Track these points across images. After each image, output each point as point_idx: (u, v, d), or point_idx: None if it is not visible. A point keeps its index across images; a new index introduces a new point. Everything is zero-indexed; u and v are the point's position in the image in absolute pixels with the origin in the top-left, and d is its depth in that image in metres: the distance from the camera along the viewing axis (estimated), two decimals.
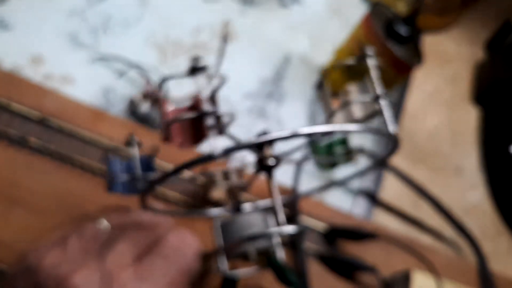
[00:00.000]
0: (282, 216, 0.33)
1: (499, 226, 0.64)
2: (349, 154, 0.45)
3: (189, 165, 0.30)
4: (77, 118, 0.52)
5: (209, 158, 0.30)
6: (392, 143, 0.36)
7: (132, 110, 0.55)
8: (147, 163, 0.38)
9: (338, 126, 0.31)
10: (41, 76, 0.55)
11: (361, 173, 0.46)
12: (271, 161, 0.34)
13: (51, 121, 0.51)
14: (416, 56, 0.54)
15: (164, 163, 0.51)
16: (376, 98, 0.35)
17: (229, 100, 0.60)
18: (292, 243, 0.51)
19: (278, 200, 0.34)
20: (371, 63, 0.36)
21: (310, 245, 0.53)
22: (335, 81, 0.62)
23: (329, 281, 0.52)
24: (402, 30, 0.53)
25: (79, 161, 0.50)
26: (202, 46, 0.62)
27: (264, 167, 0.34)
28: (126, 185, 0.38)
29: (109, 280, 0.34)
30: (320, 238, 0.54)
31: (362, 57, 0.36)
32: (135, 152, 0.36)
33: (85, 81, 0.57)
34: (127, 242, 0.37)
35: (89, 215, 0.42)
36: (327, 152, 0.45)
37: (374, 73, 0.36)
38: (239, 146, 0.30)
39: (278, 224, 0.33)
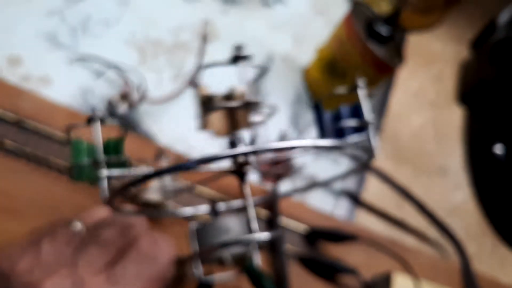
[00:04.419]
0: (255, 223, 0.33)
1: (484, 226, 0.63)
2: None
3: (161, 172, 0.29)
4: (54, 120, 0.51)
5: (182, 167, 0.29)
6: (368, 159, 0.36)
7: (110, 111, 0.54)
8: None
9: (310, 141, 0.30)
10: (18, 77, 0.54)
11: (343, 176, 0.45)
12: (244, 168, 0.33)
13: (27, 123, 0.50)
14: (397, 56, 0.54)
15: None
16: (365, 125, 0.35)
17: None
18: (271, 245, 0.51)
19: (251, 206, 0.33)
20: (362, 93, 0.36)
21: (291, 247, 0.52)
22: (316, 80, 0.61)
23: (310, 283, 0.51)
24: (383, 30, 0.52)
25: (55, 164, 0.49)
26: (182, 46, 0.62)
27: (237, 172, 0.34)
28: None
29: (80, 287, 0.33)
30: (300, 240, 0.53)
31: (354, 88, 0.36)
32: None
33: (63, 82, 0.56)
34: (100, 246, 0.36)
35: (64, 218, 0.41)
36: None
37: (364, 102, 0.36)
38: (214, 158, 0.29)
39: (251, 231, 0.33)
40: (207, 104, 0.37)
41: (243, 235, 0.36)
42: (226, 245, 0.34)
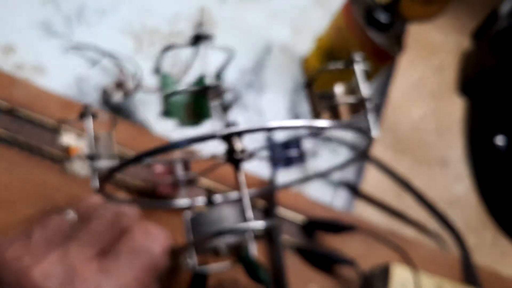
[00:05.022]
0: (249, 212, 0.32)
1: (484, 218, 0.62)
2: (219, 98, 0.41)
3: (152, 152, 0.29)
4: (47, 108, 0.51)
5: (173, 146, 0.29)
6: (367, 143, 0.35)
7: (105, 99, 0.53)
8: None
9: (309, 121, 0.30)
10: (11, 66, 0.54)
11: (341, 166, 0.44)
12: (239, 154, 0.32)
13: (20, 112, 0.49)
14: (397, 45, 0.53)
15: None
16: (362, 101, 0.34)
17: None
18: (268, 235, 0.50)
19: (246, 194, 0.33)
20: (359, 68, 0.35)
21: (288, 237, 0.51)
22: (315, 70, 0.60)
23: (307, 274, 0.51)
24: (382, 17, 0.51)
25: (48, 152, 0.49)
26: (179, 35, 0.61)
27: (232, 159, 0.33)
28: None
29: (71, 274, 0.33)
30: (298, 231, 0.52)
31: (350, 62, 0.35)
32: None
33: (58, 70, 0.55)
34: (92, 234, 0.35)
35: (56, 206, 0.41)
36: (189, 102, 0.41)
37: (361, 77, 0.35)
38: (203, 137, 0.28)
39: (245, 219, 0.32)
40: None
41: (238, 224, 0.35)
42: (220, 234, 0.34)
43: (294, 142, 0.45)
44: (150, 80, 0.55)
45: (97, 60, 0.56)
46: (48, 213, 0.38)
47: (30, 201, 0.47)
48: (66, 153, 0.36)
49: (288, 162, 0.45)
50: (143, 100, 0.55)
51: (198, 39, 0.36)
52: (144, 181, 0.48)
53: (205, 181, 0.51)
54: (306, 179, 0.46)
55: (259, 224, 0.31)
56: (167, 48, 0.37)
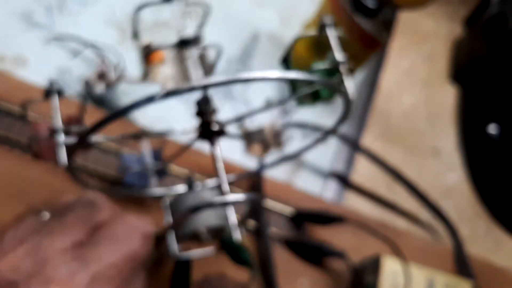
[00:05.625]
0: (226, 185, 0.31)
1: (477, 208, 0.61)
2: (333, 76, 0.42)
3: (127, 109, 0.28)
4: (28, 101, 0.49)
5: (149, 100, 0.28)
6: (346, 107, 0.34)
7: (88, 91, 0.52)
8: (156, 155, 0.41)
9: (284, 73, 0.29)
10: None
11: (311, 146, 0.43)
12: (214, 126, 0.31)
13: (0, 105, 0.48)
14: (385, 31, 0.52)
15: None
16: (336, 65, 0.33)
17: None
18: (256, 229, 0.49)
19: (222, 169, 0.32)
20: (331, 33, 0.34)
21: (276, 230, 0.50)
22: (301, 58, 0.59)
23: (296, 267, 0.50)
24: (369, 2, 0.50)
25: (29, 146, 0.47)
26: (164, 25, 0.59)
27: (206, 133, 0.32)
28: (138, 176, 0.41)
29: (41, 264, 0.31)
30: (287, 223, 0.51)
31: (322, 27, 0.34)
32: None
33: (39, 62, 0.54)
34: (65, 226, 0.34)
35: (32, 208, 0.40)
36: (308, 82, 0.42)
37: (334, 42, 0.34)
38: (180, 90, 0.27)
39: (222, 193, 0.31)
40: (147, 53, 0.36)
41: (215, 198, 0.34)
42: (197, 209, 0.33)
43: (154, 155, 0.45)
44: (133, 71, 0.53)
45: (79, 51, 0.54)
46: (23, 215, 0.37)
47: (11, 196, 0.46)
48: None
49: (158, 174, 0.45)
50: (126, 91, 0.53)
51: None
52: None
53: (183, 171, 0.49)
54: (280, 161, 0.45)
55: (237, 197, 0.30)
56: (141, 8, 0.36)
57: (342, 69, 0.32)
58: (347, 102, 0.33)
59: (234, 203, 0.33)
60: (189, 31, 0.37)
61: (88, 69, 0.54)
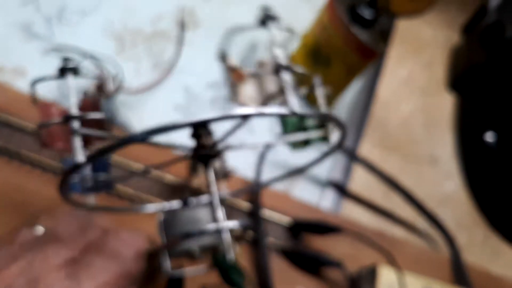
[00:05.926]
0: (219, 212, 0.31)
1: (475, 216, 0.61)
2: (323, 128, 0.42)
3: (109, 149, 0.27)
4: (27, 112, 0.50)
5: (129, 141, 0.26)
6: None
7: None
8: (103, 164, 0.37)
9: (278, 109, 0.29)
10: None
11: (319, 160, 0.43)
12: (207, 151, 0.31)
13: None
14: (382, 41, 0.52)
15: (131, 163, 0.49)
16: (325, 118, 0.35)
17: (191, 90, 0.57)
18: (253, 239, 0.49)
19: (216, 194, 0.32)
20: (319, 92, 0.37)
21: (273, 240, 0.50)
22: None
23: (294, 277, 0.50)
24: (366, 13, 0.50)
25: (28, 157, 0.48)
26: (162, 35, 0.60)
27: (201, 156, 0.32)
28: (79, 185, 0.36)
29: (34, 282, 0.32)
30: (284, 233, 0.51)
31: (312, 87, 0.38)
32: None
33: (38, 73, 0.53)
34: (57, 243, 0.34)
35: (30, 217, 0.40)
36: (298, 127, 0.42)
37: (321, 100, 0.37)
38: (167, 127, 0.26)
39: (215, 220, 0.31)
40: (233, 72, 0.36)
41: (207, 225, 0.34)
42: (188, 236, 0.33)
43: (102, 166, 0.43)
44: (131, 82, 0.54)
45: (78, 62, 0.55)
46: (17, 230, 0.37)
47: (9, 207, 0.46)
48: None
49: (99, 187, 0.43)
50: (125, 102, 0.54)
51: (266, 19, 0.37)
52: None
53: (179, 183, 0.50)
54: (286, 177, 0.45)
55: (230, 224, 0.30)
56: (233, 31, 0.37)
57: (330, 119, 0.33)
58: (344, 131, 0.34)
59: (227, 230, 0.33)
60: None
61: (87, 80, 0.54)
